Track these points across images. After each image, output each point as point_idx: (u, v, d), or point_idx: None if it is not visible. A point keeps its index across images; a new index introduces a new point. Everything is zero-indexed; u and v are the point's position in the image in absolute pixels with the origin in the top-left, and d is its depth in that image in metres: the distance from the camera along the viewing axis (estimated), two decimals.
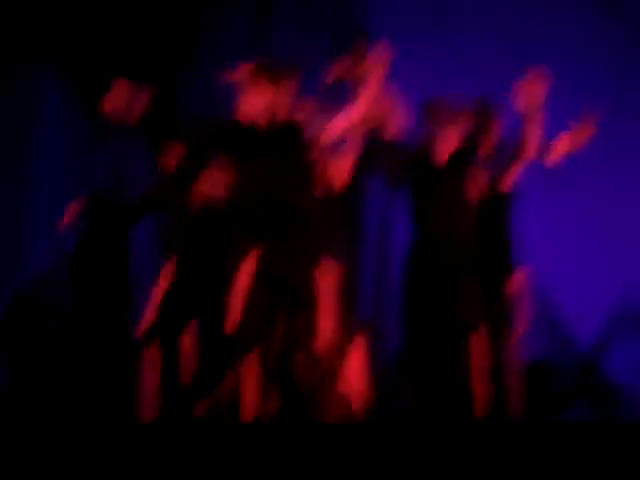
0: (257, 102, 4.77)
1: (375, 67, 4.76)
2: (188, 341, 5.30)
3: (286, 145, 4.79)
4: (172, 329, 5.31)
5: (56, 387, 6.23)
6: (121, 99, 5.40)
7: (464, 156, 5.05)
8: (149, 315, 5.37)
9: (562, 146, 5.12)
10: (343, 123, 4.83)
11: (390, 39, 6.35)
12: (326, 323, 4.80)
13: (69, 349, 6.30)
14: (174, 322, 5.31)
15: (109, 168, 6.40)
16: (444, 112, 5.00)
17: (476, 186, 5.00)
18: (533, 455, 3.68)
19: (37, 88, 6.83)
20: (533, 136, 4.98)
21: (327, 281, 4.84)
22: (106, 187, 6.31)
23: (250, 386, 4.69)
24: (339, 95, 5.75)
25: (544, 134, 5.05)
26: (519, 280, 5.15)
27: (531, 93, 4.88)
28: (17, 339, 6.68)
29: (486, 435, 3.88)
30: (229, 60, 6.40)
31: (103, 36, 6.78)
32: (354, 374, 5.03)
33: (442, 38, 6.75)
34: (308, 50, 6.56)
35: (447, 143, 5.00)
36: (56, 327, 6.53)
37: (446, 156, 5.02)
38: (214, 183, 5.14)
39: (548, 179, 6.26)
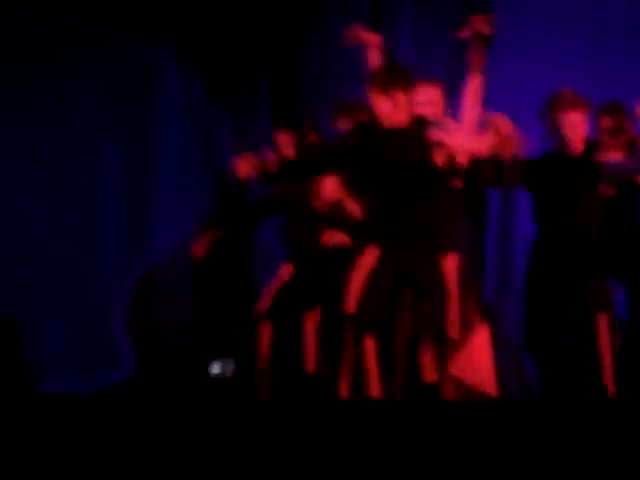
0: (385, 107, 4.80)
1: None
2: (311, 325, 5.37)
3: (413, 146, 4.83)
4: (293, 313, 5.40)
5: (180, 374, 6.42)
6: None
7: (595, 148, 4.98)
8: (268, 298, 5.47)
9: None
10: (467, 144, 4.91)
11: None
12: (451, 309, 4.80)
13: (193, 335, 6.51)
14: (295, 306, 5.40)
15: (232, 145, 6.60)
16: (573, 101, 4.92)
17: (606, 178, 4.98)
18: None
19: (158, 66, 6.86)
20: None
21: (451, 267, 4.85)
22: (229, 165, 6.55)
23: (372, 367, 4.71)
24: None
25: None
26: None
27: None
28: (143, 324, 6.74)
29: (614, 414, 3.79)
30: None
31: (224, 10, 6.78)
32: (479, 358, 5.01)
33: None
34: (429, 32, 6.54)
35: (578, 133, 4.93)
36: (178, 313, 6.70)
37: (579, 148, 4.96)
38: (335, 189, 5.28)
39: None
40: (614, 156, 5.13)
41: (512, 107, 5.47)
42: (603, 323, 4.88)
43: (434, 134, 4.83)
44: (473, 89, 5.05)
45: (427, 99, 5.15)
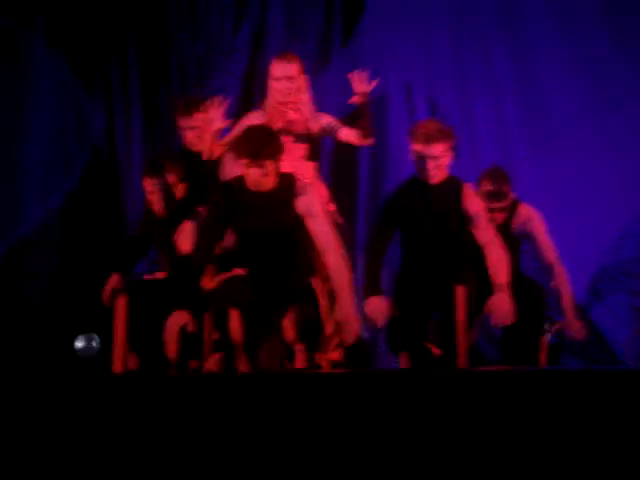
0: (254, 173, 4.92)
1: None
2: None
3: (278, 210, 4.99)
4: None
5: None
6: None
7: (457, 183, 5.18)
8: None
9: None
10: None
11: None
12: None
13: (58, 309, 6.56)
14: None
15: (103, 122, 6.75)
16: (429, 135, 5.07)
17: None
18: (518, 405, 3.72)
19: (27, 48, 6.84)
20: None
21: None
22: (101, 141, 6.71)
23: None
24: None
25: None
26: None
27: None
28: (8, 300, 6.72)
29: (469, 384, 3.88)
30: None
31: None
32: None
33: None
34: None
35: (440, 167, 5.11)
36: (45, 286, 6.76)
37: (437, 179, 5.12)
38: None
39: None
40: (496, 218, 5.43)
41: None
42: (460, 295, 4.98)
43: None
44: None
45: (284, 74, 5.33)
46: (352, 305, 4.90)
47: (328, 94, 6.54)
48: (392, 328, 5.10)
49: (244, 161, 4.89)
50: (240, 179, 5.00)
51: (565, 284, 5.50)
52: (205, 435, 3.79)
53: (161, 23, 6.87)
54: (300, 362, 4.97)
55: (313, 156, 5.51)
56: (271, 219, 4.97)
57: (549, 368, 5.29)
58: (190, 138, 5.39)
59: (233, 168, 5.20)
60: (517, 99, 6.79)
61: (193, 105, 5.42)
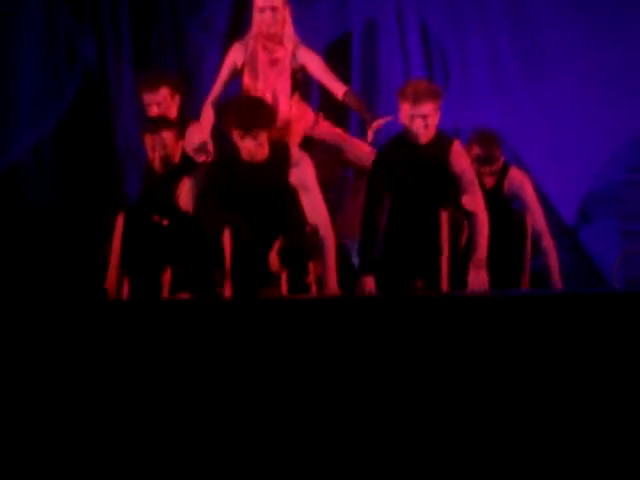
0: (248, 144, 5.05)
1: None
2: None
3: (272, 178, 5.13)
4: None
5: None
6: None
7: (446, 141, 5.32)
8: None
9: None
10: None
11: None
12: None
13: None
14: None
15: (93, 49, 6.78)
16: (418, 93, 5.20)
17: None
18: (502, 329, 3.77)
19: None
20: None
21: None
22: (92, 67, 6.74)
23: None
24: None
25: None
26: None
27: None
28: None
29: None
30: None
31: None
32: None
33: None
34: None
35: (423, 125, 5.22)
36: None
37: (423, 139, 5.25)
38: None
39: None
40: (486, 182, 5.55)
41: None
42: (444, 219, 5.15)
43: None
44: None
45: (268, 4, 5.45)
46: (335, 279, 5.04)
47: (320, 18, 6.79)
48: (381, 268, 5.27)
49: (237, 132, 4.99)
50: (234, 150, 5.09)
51: (552, 252, 5.63)
52: (195, 360, 3.84)
53: None
54: (284, 288, 5.11)
55: (297, 87, 5.61)
56: (265, 189, 5.09)
57: (535, 291, 5.38)
58: (155, 113, 5.49)
59: (193, 137, 5.39)
60: (510, 26, 6.78)
61: (157, 80, 5.52)
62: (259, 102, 5.20)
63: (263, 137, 5.03)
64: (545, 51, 6.76)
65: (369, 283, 5.23)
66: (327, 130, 5.78)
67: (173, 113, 5.54)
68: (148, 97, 5.53)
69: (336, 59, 6.36)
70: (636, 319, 3.69)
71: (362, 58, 6.82)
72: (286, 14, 5.54)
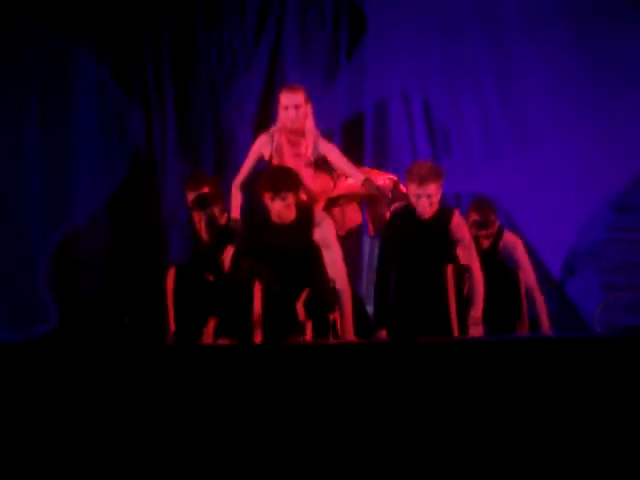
0: (277, 206, 5.36)
1: None
2: None
3: (298, 239, 5.44)
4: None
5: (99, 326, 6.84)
6: None
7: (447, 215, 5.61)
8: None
9: None
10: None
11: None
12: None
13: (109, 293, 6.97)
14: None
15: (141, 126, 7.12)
16: (422, 176, 5.49)
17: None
18: (498, 373, 3.99)
19: (75, 61, 7.26)
20: None
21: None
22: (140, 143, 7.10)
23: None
24: None
25: None
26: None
27: None
28: (64, 282, 7.12)
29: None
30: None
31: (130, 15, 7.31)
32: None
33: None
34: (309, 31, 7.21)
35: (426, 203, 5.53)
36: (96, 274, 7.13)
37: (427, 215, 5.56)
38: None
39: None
40: (483, 244, 5.92)
41: None
42: (450, 272, 5.46)
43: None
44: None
45: (292, 103, 5.78)
46: (351, 328, 5.33)
47: (336, 102, 7.17)
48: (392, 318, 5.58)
49: (268, 195, 5.32)
50: (264, 213, 5.43)
51: (542, 303, 5.94)
52: (228, 396, 4.06)
53: (192, 38, 7.26)
54: (309, 336, 5.34)
55: (318, 168, 5.89)
56: (293, 246, 5.40)
57: (527, 336, 5.68)
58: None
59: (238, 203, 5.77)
60: (500, 99, 7.14)
61: (200, 182, 5.82)
62: (287, 170, 5.48)
63: (290, 199, 5.31)
64: (534, 124, 7.08)
65: (382, 336, 5.49)
66: (343, 185, 5.96)
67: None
68: (198, 214, 5.78)
69: (350, 137, 6.92)
70: (615, 359, 3.92)
71: (373, 136, 7.13)
72: (308, 110, 5.80)
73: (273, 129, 5.91)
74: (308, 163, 5.87)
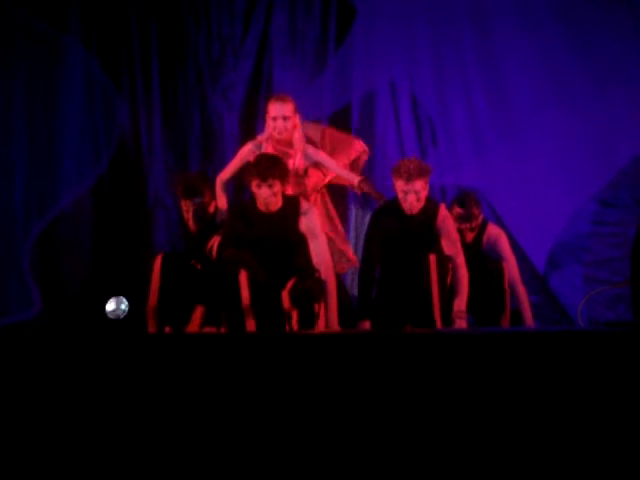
0: (264, 193, 5.44)
1: None
2: None
3: (284, 226, 5.51)
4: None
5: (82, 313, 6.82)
6: None
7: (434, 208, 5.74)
8: None
9: None
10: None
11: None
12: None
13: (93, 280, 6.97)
14: None
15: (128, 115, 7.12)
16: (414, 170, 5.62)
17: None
18: (482, 364, 4.00)
19: (63, 48, 7.25)
20: None
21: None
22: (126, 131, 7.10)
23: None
24: None
25: None
26: None
27: None
28: (48, 268, 7.10)
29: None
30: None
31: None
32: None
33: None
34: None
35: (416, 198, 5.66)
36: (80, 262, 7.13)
37: (414, 210, 5.68)
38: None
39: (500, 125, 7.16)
40: (467, 237, 6.03)
41: None
42: (432, 261, 5.59)
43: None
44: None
45: (280, 114, 5.80)
46: (336, 318, 5.40)
47: (324, 92, 7.15)
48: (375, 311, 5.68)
49: (255, 182, 5.40)
50: (251, 202, 5.51)
51: (524, 296, 6.05)
52: (215, 385, 4.06)
53: (180, 27, 7.24)
54: (294, 325, 5.41)
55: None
56: (278, 235, 5.47)
57: (511, 329, 5.66)
58: (190, 219, 5.83)
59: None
60: (486, 95, 7.15)
61: (194, 190, 5.80)
62: (275, 158, 5.53)
63: (277, 187, 5.38)
64: (519, 118, 7.10)
65: (366, 326, 5.59)
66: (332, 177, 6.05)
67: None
68: (186, 204, 5.84)
69: (337, 128, 6.72)
70: (597, 354, 3.94)
71: (360, 127, 7.13)
72: (296, 120, 5.85)
73: (260, 138, 5.95)
74: (297, 175, 5.92)
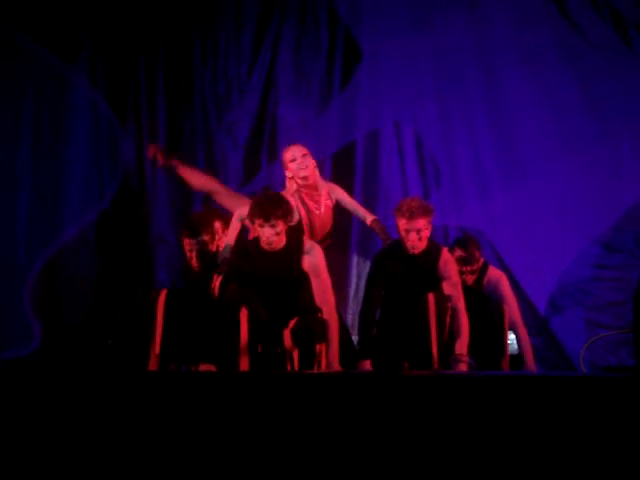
0: (268, 233, 5.41)
1: None
2: None
3: (288, 264, 5.46)
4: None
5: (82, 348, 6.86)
6: None
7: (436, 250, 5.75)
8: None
9: None
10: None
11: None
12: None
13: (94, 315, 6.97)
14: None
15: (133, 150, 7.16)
16: (411, 211, 5.61)
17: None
18: (482, 407, 3.97)
19: (70, 83, 7.33)
20: None
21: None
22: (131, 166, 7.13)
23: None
24: None
25: None
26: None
27: None
28: (49, 302, 7.12)
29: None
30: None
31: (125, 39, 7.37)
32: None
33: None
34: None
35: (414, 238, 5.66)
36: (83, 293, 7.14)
37: (416, 250, 5.70)
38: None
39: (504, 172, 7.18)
40: (468, 279, 6.00)
41: None
42: (431, 301, 5.56)
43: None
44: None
45: (299, 153, 5.90)
46: (337, 358, 5.36)
47: (328, 130, 7.21)
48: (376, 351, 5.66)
49: (258, 221, 5.38)
50: (254, 240, 5.50)
51: (526, 339, 6.00)
52: (210, 423, 4.05)
53: (187, 64, 7.33)
54: (295, 365, 5.37)
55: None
56: (282, 274, 5.44)
57: (512, 373, 5.65)
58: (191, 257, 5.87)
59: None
60: (490, 136, 7.20)
61: (198, 232, 5.86)
62: (277, 197, 5.52)
63: (280, 227, 5.35)
64: (523, 159, 7.13)
65: (367, 366, 5.58)
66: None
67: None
68: (189, 243, 5.87)
69: (341, 166, 6.97)
70: (598, 399, 3.92)
71: (364, 166, 7.20)
72: (313, 161, 5.94)
73: (284, 193, 5.92)
74: (330, 209, 6.02)
